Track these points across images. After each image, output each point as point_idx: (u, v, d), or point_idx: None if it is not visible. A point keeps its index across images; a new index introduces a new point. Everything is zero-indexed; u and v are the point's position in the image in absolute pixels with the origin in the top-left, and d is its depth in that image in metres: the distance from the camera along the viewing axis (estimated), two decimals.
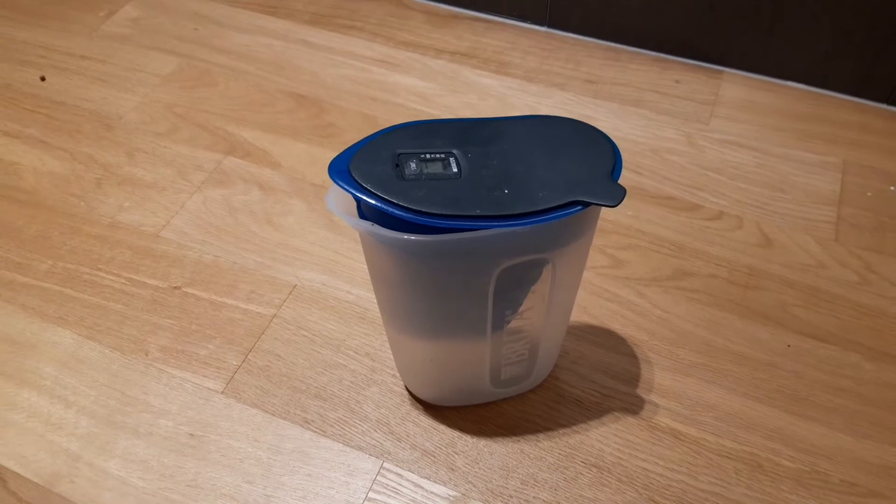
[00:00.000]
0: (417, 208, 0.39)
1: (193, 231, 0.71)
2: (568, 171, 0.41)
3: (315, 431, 0.57)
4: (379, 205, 0.39)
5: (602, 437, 0.56)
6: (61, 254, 0.69)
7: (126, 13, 0.97)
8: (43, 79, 0.88)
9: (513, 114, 0.82)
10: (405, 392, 0.59)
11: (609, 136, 0.44)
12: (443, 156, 0.41)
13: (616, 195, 0.39)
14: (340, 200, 0.42)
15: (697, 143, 0.79)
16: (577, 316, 0.64)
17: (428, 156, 0.41)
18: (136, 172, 0.77)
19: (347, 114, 0.82)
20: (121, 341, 0.62)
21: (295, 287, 0.66)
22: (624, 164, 0.76)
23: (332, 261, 0.68)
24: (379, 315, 0.64)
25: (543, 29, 0.93)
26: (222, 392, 0.59)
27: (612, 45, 0.90)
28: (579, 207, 0.39)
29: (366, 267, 0.67)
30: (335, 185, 0.41)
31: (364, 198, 0.39)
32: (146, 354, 0.61)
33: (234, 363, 0.61)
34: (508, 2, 0.92)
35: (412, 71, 0.87)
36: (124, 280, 0.67)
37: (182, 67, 0.89)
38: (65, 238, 0.70)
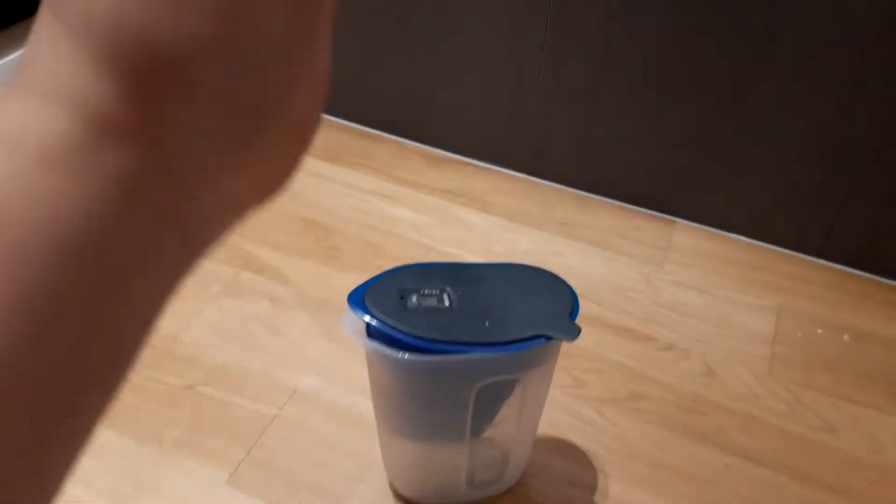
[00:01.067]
0: (416, 333, 0.49)
1: (209, 336, 0.80)
2: (536, 310, 0.52)
3: None
4: (386, 329, 0.49)
5: None
6: None
7: None
8: None
9: (495, 247, 0.94)
10: (390, 490, 0.67)
11: (573, 278, 0.55)
12: (438, 292, 0.52)
13: (573, 332, 0.50)
14: (353, 323, 0.52)
15: (653, 283, 0.91)
16: (544, 429, 0.73)
17: (426, 292, 0.52)
18: None
19: (351, 239, 0.94)
20: (138, 431, 0.70)
21: (296, 391, 0.75)
22: (589, 297, 0.87)
23: (330, 368, 0.77)
24: (370, 419, 0.72)
25: (524, 176, 1.07)
26: (227, 482, 0.67)
27: (583, 193, 1.04)
28: (543, 340, 0.50)
29: (360, 374, 0.77)
30: (350, 310, 0.51)
31: (375, 323, 0.49)
32: (160, 445, 0.69)
33: (239, 456, 0.69)
34: (495, 151, 1.07)
35: (409, 205, 1.00)
36: (143, 376, 0.75)
37: None
38: None
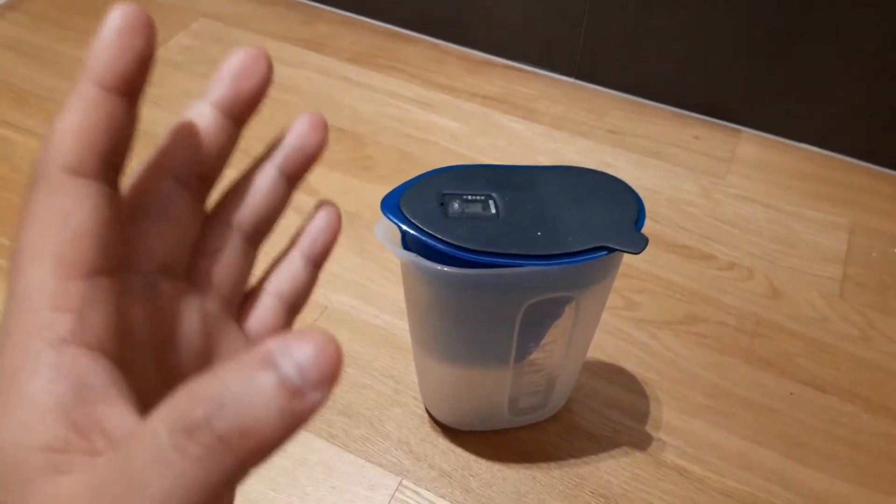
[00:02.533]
0: (458, 244, 0.43)
1: None
2: (596, 219, 0.45)
3: (339, 446, 0.60)
4: (424, 238, 0.43)
5: (610, 470, 0.60)
6: None
7: (179, 41, 1.03)
8: None
9: (539, 158, 0.87)
10: (426, 414, 0.63)
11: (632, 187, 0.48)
12: (483, 198, 0.46)
13: (639, 244, 0.43)
14: (387, 232, 0.46)
15: (713, 197, 0.83)
16: (593, 353, 0.67)
17: (469, 197, 0.46)
18: None
19: (384, 149, 0.87)
20: None
21: (326, 308, 0.70)
22: None
23: (362, 286, 0.72)
24: (404, 340, 0.68)
25: (571, 80, 0.98)
26: None
27: (636, 98, 0.95)
28: (605, 252, 0.43)
29: (393, 293, 0.72)
30: (384, 218, 0.45)
31: (411, 232, 0.43)
32: None
33: None
34: (539, 53, 0.97)
35: (446, 112, 0.93)
36: None
37: None
38: None
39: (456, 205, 0.45)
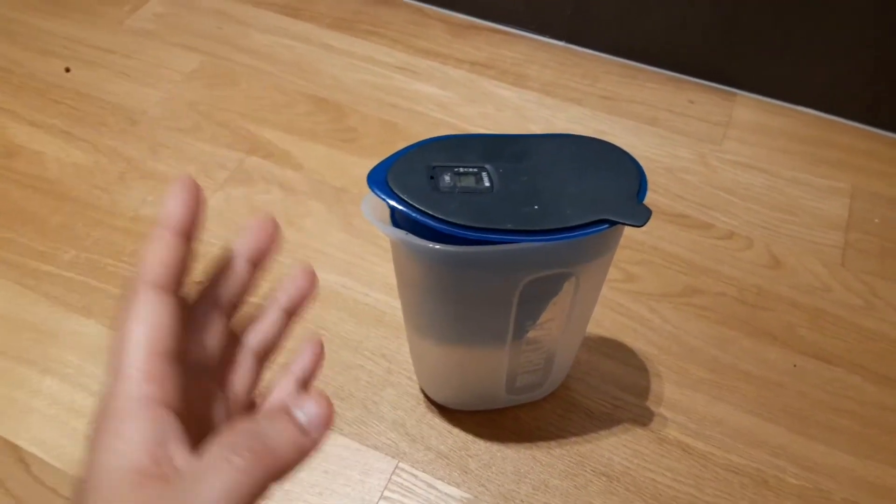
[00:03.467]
0: (451, 220, 0.40)
1: (216, 228, 0.72)
2: (595, 190, 0.42)
3: (332, 429, 0.58)
4: (414, 215, 0.40)
5: (612, 447, 0.58)
6: (85, 244, 0.70)
7: (151, 8, 0.98)
8: (68, 70, 0.89)
9: (530, 126, 0.84)
10: (421, 395, 0.60)
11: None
12: (476, 170, 0.43)
13: (642, 216, 0.41)
14: (375, 208, 0.43)
15: (710, 164, 0.80)
16: (591, 328, 0.65)
17: (461, 169, 0.43)
18: (159, 168, 0.78)
19: (368, 119, 0.84)
20: None
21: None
22: None
23: (349, 263, 0.70)
24: (395, 318, 0.65)
25: (561, 44, 0.94)
26: None
27: (629, 62, 0.92)
28: (606, 226, 0.41)
29: (383, 270, 0.69)
30: (371, 194, 0.42)
31: (401, 208, 0.40)
32: None
33: None
34: (528, 15, 0.94)
35: (432, 79, 0.89)
36: None
37: (205, 65, 0.90)
38: (88, 229, 0.72)
39: (447, 178, 0.42)
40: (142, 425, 0.25)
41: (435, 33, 0.96)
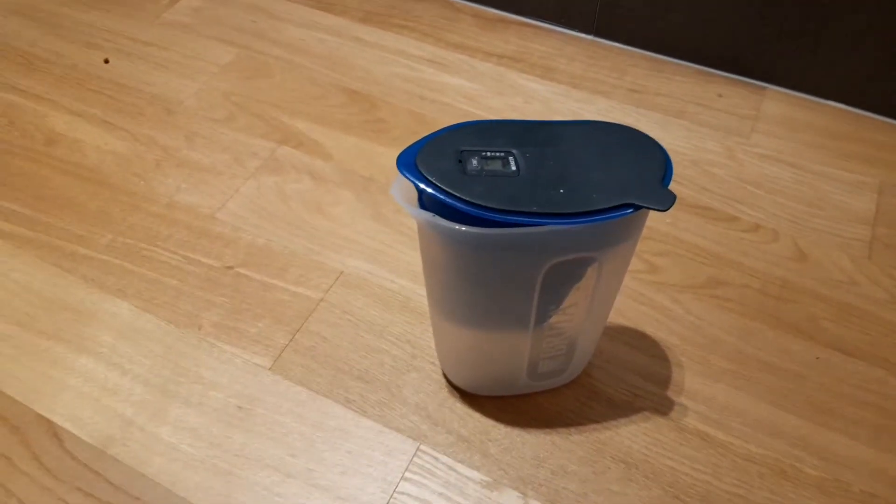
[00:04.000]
0: (477, 202, 0.41)
1: (247, 215, 0.74)
2: (620, 175, 0.43)
3: (356, 411, 0.60)
4: (442, 197, 0.41)
5: (631, 435, 0.59)
6: (121, 229, 0.73)
7: (187, 3, 1.01)
8: (107, 61, 0.92)
9: (557, 118, 0.84)
10: (443, 379, 0.62)
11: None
12: (503, 154, 0.44)
13: (666, 200, 0.41)
14: (403, 191, 0.44)
15: (737, 157, 0.80)
16: (613, 318, 0.66)
17: (489, 154, 0.44)
18: (193, 156, 0.80)
19: (397, 110, 0.85)
20: (176, 315, 0.66)
21: (342, 273, 0.69)
22: None
23: (377, 251, 0.71)
24: (420, 304, 0.67)
25: (590, 37, 0.95)
26: (270, 369, 0.62)
27: (657, 56, 0.92)
28: (630, 210, 0.42)
29: (409, 258, 0.70)
30: (400, 177, 0.43)
31: (428, 189, 0.42)
32: (199, 329, 0.65)
33: (282, 342, 0.64)
34: (557, 9, 0.94)
35: (460, 72, 0.90)
36: (180, 257, 0.70)
37: (240, 58, 0.92)
38: (125, 214, 0.74)
39: (475, 162, 0.43)
40: None
41: (464, 27, 0.97)
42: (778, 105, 0.87)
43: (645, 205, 0.41)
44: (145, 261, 0.70)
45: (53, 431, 0.58)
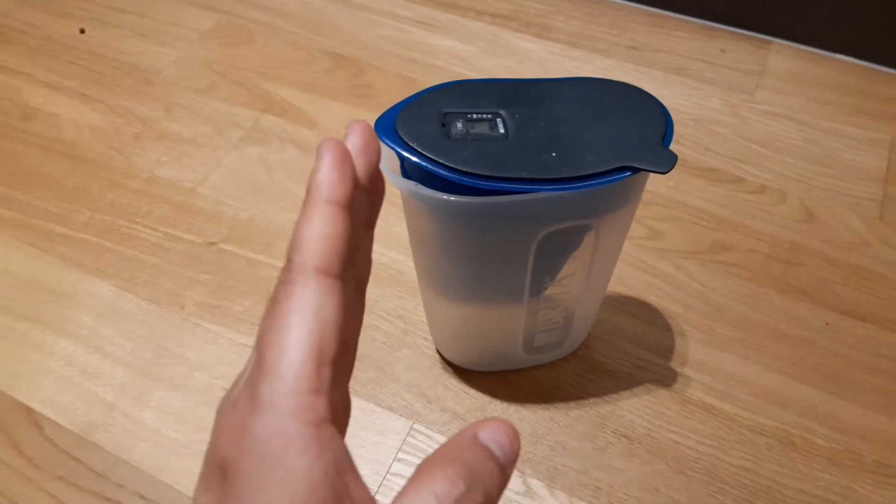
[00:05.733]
0: (463, 169, 0.38)
1: (230, 188, 0.71)
2: (617, 136, 0.40)
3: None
4: (424, 164, 0.38)
5: (633, 409, 0.56)
6: (100, 206, 0.70)
7: None
8: (82, 31, 0.88)
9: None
10: (437, 355, 0.59)
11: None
12: (490, 116, 0.41)
13: (667, 161, 0.38)
14: (385, 158, 0.41)
15: (742, 115, 0.77)
16: (613, 286, 0.63)
17: (475, 116, 0.40)
18: (174, 128, 0.77)
19: (386, 75, 0.81)
20: (157, 294, 0.63)
21: None
22: None
23: None
24: (411, 278, 0.64)
25: None
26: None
27: (657, 11, 0.88)
28: (628, 173, 0.39)
29: (399, 229, 0.67)
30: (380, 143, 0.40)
31: (410, 156, 0.38)
32: (182, 308, 0.62)
33: None
34: None
35: (452, 33, 0.86)
36: (161, 234, 0.67)
37: (220, 24, 0.88)
38: (103, 191, 0.71)
39: (459, 125, 0.40)
40: (317, 456, 0.19)
41: None
42: (784, 60, 0.83)
43: (644, 167, 0.38)
44: (125, 238, 0.67)
45: (33, 419, 0.56)
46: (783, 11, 0.82)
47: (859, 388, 0.57)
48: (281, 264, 0.62)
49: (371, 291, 0.63)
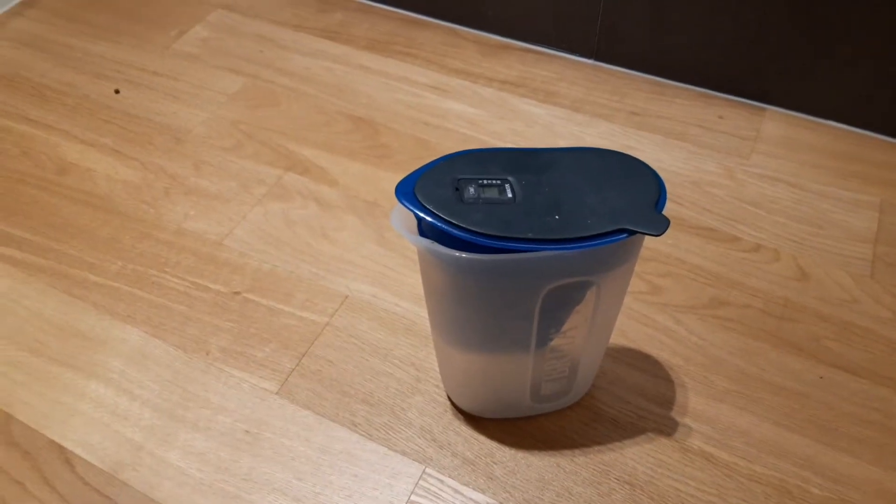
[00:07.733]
0: (474, 229, 0.42)
1: (254, 241, 0.75)
2: (615, 201, 0.44)
3: (362, 434, 0.60)
4: (439, 224, 0.42)
5: (636, 456, 0.59)
6: (131, 256, 0.74)
7: (196, 33, 1.03)
8: (117, 91, 0.94)
9: (559, 142, 0.85)
10: (448, 402, 0.62)
11: (653, 168, 0.47)
12: (499, 182, 0.45)
13: (660, 225, 0.42)
14: (403, 219, 0.45)
15: (738, 177, 0.81)
16: (615, 339, 0.66)
17: (485, 181, 0.45)
18: (201, 184, 0.82)
19: (401, 136, 0.87)
20: (184, 340, 0.67)
21: (347, 297, 0.70)
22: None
23: (381, 274, 0.72)
24: (424, 327, 0.67)
25: (590, 62, 0.96)
26: (277, 393, 0.63)
27: (658, 79, 0.93)
28: (625, 235, 0.42)
29: (413, 281, 0.71)
30: (399, 205, 0.44)
31: (426, 217, 0.43)
32: (207, 354, 0.66)
33: (289, 366, 0.65)
34: (557, 35, 0.96)
35: (463, 98, 0.92)
36: (188, 283, 0.71)
37: (247, 87, 0.94)
38: (134, 242, 0.76)
39: (471, 189, 0.44)
40: None
41: (467, 53, 0.98)
42: (778, 125, 0.87)
43: (638, 230, 0.42)
44: (154, 287, 0.71)
45: (65, 457, 0.59)
46: (778, 80, 0.87)
47: (852, 439, 0.60)
48: (301, 314, 0.66)
49: (385, 340, 0.66)
